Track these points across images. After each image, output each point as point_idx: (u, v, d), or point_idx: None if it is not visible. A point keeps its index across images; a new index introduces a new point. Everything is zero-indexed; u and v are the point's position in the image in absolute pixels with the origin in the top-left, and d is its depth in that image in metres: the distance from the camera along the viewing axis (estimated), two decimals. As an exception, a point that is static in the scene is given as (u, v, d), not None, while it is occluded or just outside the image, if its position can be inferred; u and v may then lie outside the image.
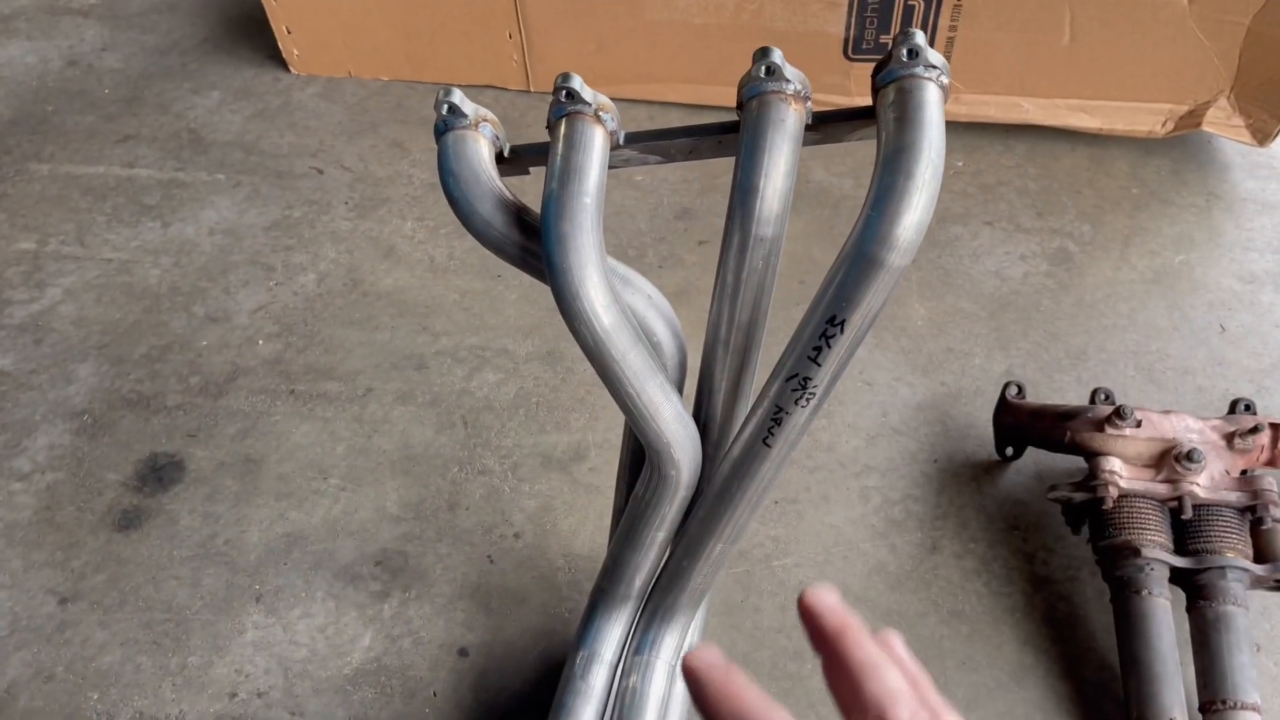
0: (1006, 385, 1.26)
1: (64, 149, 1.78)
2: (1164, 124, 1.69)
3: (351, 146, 1.76)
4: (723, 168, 1.68)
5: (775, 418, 0.75)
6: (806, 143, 0.69)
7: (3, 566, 1.16)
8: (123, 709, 1.04)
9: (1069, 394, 1.34)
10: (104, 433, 1.30)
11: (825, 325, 0.66)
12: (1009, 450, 1.25)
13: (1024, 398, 1.26)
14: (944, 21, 1.63)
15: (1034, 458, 1.24)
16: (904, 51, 0.61)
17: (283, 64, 1.93)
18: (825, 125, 0.70)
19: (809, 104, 0.68)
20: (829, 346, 0.67)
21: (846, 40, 1.68)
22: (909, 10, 1.62)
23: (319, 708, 1.04)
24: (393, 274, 1.53)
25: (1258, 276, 1.51)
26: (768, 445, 0.77)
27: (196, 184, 1.69)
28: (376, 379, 1.37)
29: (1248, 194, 1.66)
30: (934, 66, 0.61)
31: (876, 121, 0.64)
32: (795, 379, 0.71)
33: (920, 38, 0.61)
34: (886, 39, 1.67)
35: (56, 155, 1.76)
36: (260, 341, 1.42)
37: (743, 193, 0.69)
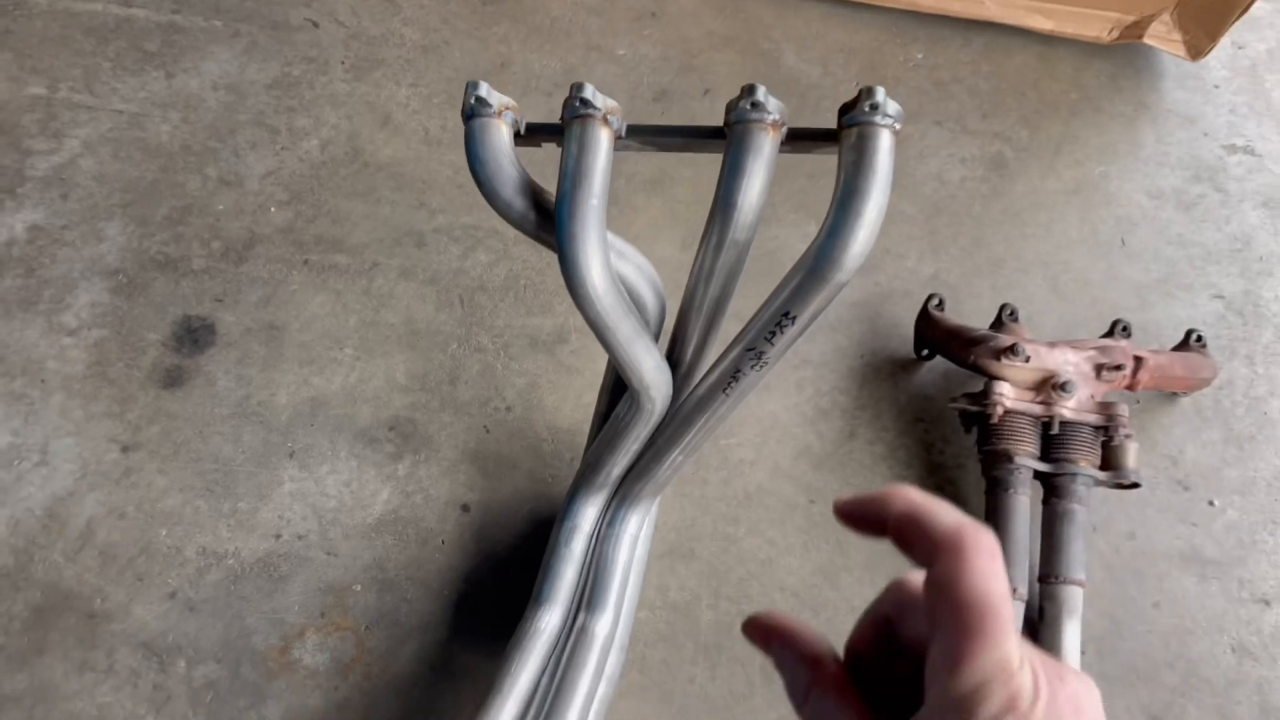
0: (930, 297, 1.45)
1: (56, -23, 1.77)
2: (1110, 31, 1.79)
3: (344, -3, 1.79)
4: (700, 47, 1.75)
5: (734, 376, 0.94)
6: (781, 152, 0.83)
7: (67, 415, 1.34)
8: (188, 544, 1.26)
9: (984, 300, 1.53)
10: (139, 293, 1.44)
11: (780, 317, 0.84)
12: (925, 353, 1.46)
13: (943, 309, 1.45)
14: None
15: (943, 364, 1.46)
16: (867, 105, 0.75)
17: (269, -107, 1.89)
18: (796, 141, 0.84)
19: (784, 128, 0.82)
20: (781, 332, 0.86)
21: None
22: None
23: (349, 549, 1.27)
24: (390, 144, 1.62)
25: (1164, 193, 1.69)
26: (725, 394, 0.96)
27: (194, 30, 1.72)
28: (380, 254, 1.51)
29: (1173, 105, 1.79)
30: (889, 116, 0.75)
31: (839, 150, 0.78)
32: (752, 351, 0.90)
33: (881, 94, 0.74)
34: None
35: (49, -16, 1.76)
36: (273, 209, 1.54)
37: (724, 205, 0.85)
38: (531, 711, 1.06)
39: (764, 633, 0.42)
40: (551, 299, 1.49)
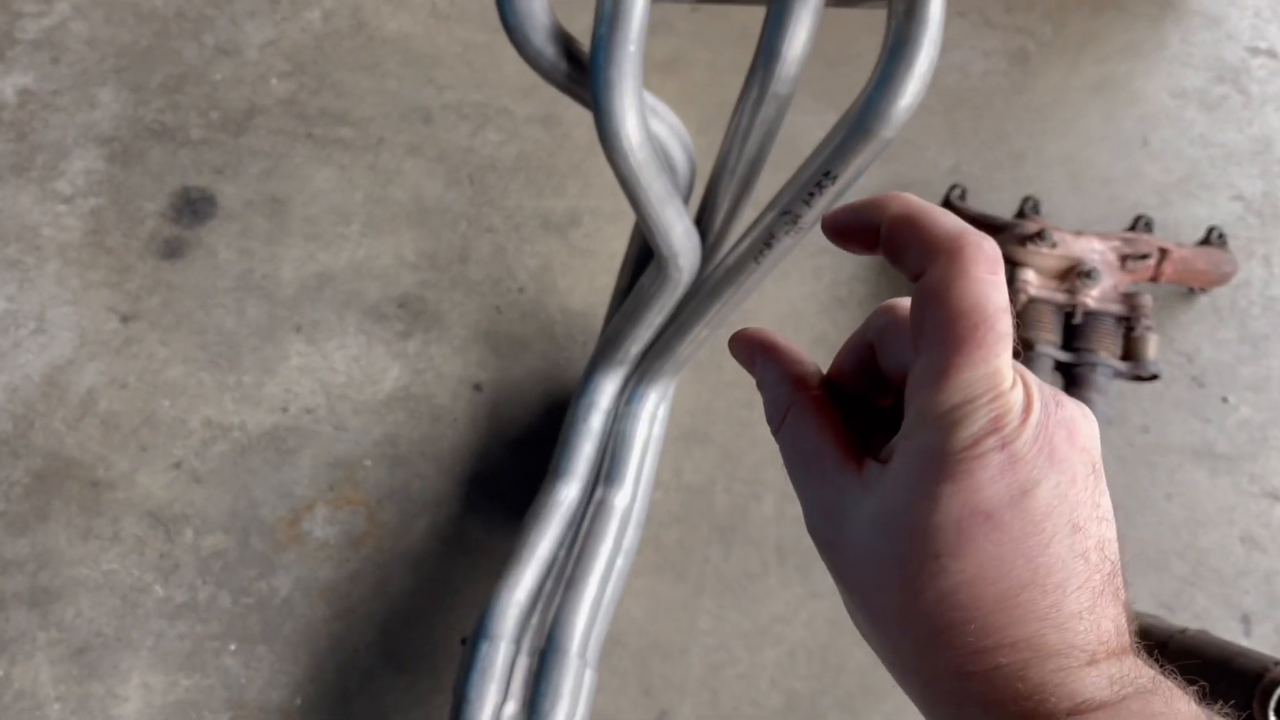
0: (951, 187, 1.41)
1: None
2: (1140, -75, 1.72)
3: None
4: None
5: (767, 242, 0.90)
6: (828, 5, 0.78)
7: (63, 284, 1.28)
8: (192, 416, 1.22)
9: (1005, 193, 1.49)
10: (135, 162, 1.38)
11: (820, 176, 0.80)
12: (944, 244, 1.43)
13: (965, 200, 1.41)
14: None
15: (964, 254, 1.42)
16: None
17: None
18: None
19: None
20: (820, 193, 0.82)
21: None
22: None
23: (359, 425, 1.23)
24: (396, 17, 1.55)
25: (1187, 92, 1.64)
26: (757, 263, 0.93)
27: (188, -108, 1.62)
28: (387, 129, 1.44)
29: (1198, 6, 1.74)
30: None
31: (889, 5, 0.74)
32: (789, 215, 0.85)
33: None
34: None
35: None
36: (274, 80, 1.46)
37: (766, 54, 0.80)
38: (550, 581, 1.05)
39: (748, 347, 0.38)
40: (564, 180, 1.43)
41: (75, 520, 1.15)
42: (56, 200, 1.34)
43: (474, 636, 0.98)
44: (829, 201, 0.82)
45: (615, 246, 1.36)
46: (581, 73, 0.84)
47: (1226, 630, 1.24)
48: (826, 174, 0.80)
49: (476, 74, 1.50)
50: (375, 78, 1.48)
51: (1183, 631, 0.87)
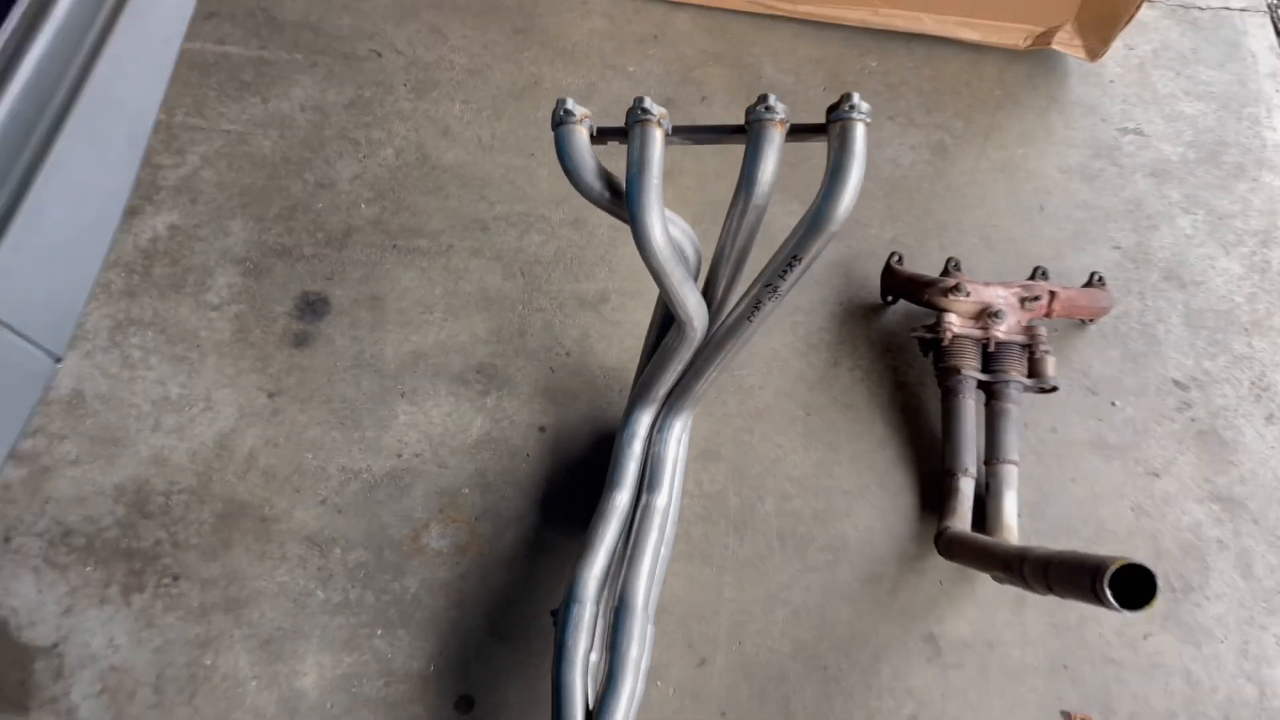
0: (892, 254, 1.81)
1: (157, 21, 2.07)
2: (1025, 40, 2.16)
3: (399, 31, 2.11)
4: (695, 63, 2.07)
5: (756, 306, 1.28)
6: (786, 141, 1.17)
7: (221, 372, 1.65)
8: (330, 464, 1.58)
9: (933, 256, 1.89)
10: (264, 275, 1.76)
11: (790, 259, 1.19)
12: (889, 298, 1.82)
13: (903, 264, 1.81)
14: (871, -44, 2.03)
15: (904, 305, 1.81)
16: (846, 106, 1.09)
17: (328, -56, 2.20)
18: (797, 133, 1.18)
19: (788, 124, 1.16)
20: (791, 270, 1.20)
21: (796, -37, 2.07)
22: (846, -52, 2.01)
23: (456, 463, 1.60)
24: (452, 150, 1.95)
25: (1071, 168, 2.06)
26: (750, 321, 1.31)
27: (280, 62, 2.03)
28: (453, 237, 1.83)
29: (1077, 98, 2.17)
30: (863, 113, 1.10)
31: (828, 139, 1.12)
32: (769, 286, 1.24)
33: (857, 97, 1.09)
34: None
35: (152, 27, 2.06)
36: (362, 205, 1.86)
37: (746, 181, 1.20)
38: (614, 563, 1.40)
39: None
40: (593, 268, 1.82)
41: (252, 547, 1.50)
42: (208, 309, 1.71)
43: (564, 603, 1.33)
44: (798, 275, 1.21)
45: (637, 317, 1.75)
46: (619, 199, 1.23)
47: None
48: (795, 257, 1.20)
49: (518, 190, 1.90)
50: (440, 198, 1.88)
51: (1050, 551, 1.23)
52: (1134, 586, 1.07)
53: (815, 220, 1.15)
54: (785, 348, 1.77)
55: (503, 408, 1.66)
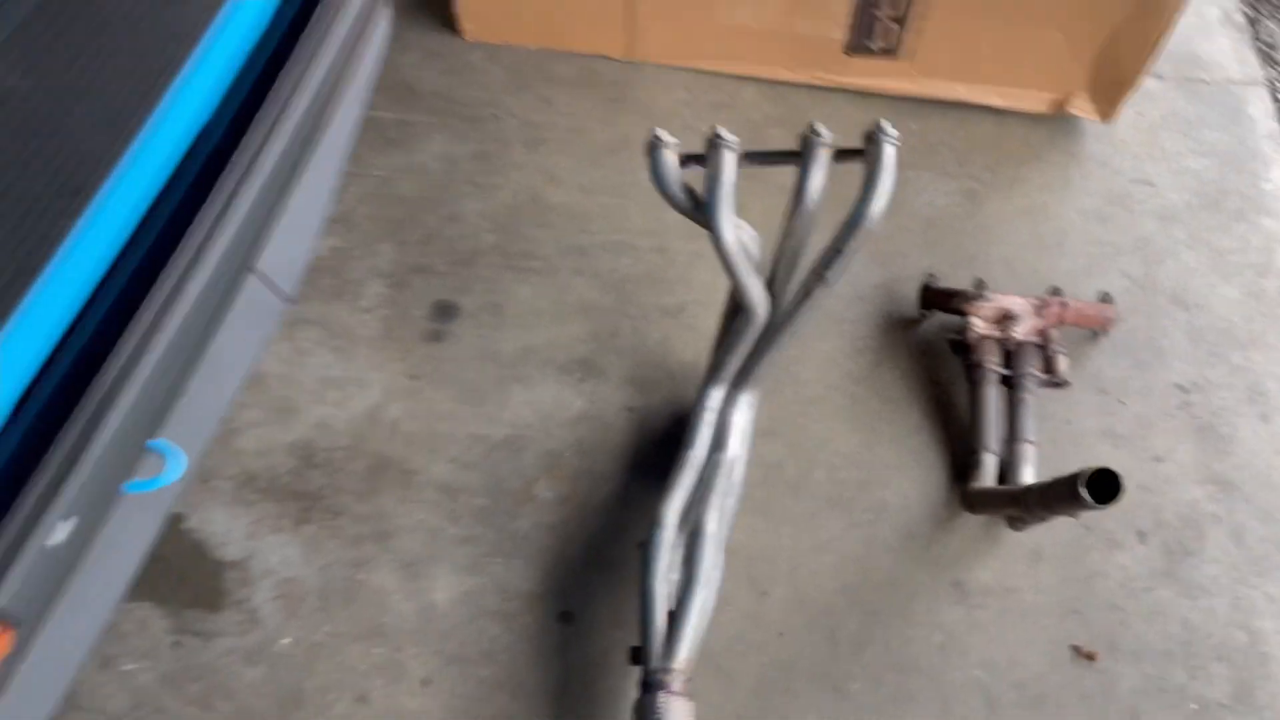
0: (928, 275, 2.13)
1: (320, 93, 2.53)
2: (1047, 105, 2.50)
3: (515, 100, 2.53)
4: (760, 126, 2.43)
5: (808, 294, 1.60)
6: (833, 162, 1.51)
7: (370, 360, 2.02)
8: (459, 431, 1.93)
9: (963, 279, 2.19)
10: (405, 287, 2.14)
11: (834, 252, 1.52)
12: (925, 311, 2.13)
13: (937, 282, 2.12)
14: (909, 33, 2.41)
15: (937, 320, 2.11)
16: (879, 132, 1.44)
17: (457, 32, 2.65)
18: (841, 156, 1.53)
19: (834, 149, 1.50)
20: (835, 261, 1.53)
21: (845, 43, 2.46)
22: (890, 29, 2.40)
23: (560, 433, 1.93)
24: (557, 193, 2.34)
25: (1088, 211, 2.37)
26: (803, 309, 1.63)
27: (418, 124, 2.47)
28: (560, 260, 2.21)
29: (1094, 155, 2.49)
30: (891, 137, 1.44)
31: (866, 158, 1.47)
32: (820, 277, 1.56)
33: (888, 125, 1.43)
34: (869, 43, 2.45)
35: (316, 98, 2.52)
36: (485, 234, 2.25)
37: (799, 194, 1.54)
38: (689, 506, 1.70)
39: None
40: (673, 285, 2.17)
41: (396, 492, 1.84)
42: (361, 311, 2.10)
43: (650, 529, 1.64)
44: (842, 267, 1.53)
45: (708, 324, 2.07)
46: (699, 208, 1.58)
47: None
48: (838, 250, 1.53)
49: (612, 224, 2.28)
50: (548, 230, 2.26)
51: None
52: (1106, 491, 1.34)
53: (855, 218, 1.49)
54: (835, 350, 2.08)
55: (598, 392, 2.00)
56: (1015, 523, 1.70)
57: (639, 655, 1.55)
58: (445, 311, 2.11)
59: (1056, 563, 1.80)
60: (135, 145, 1.00)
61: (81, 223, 0.92)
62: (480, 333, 2.08)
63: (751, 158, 1.61)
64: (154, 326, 0.98)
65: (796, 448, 1.94)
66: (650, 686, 1.50)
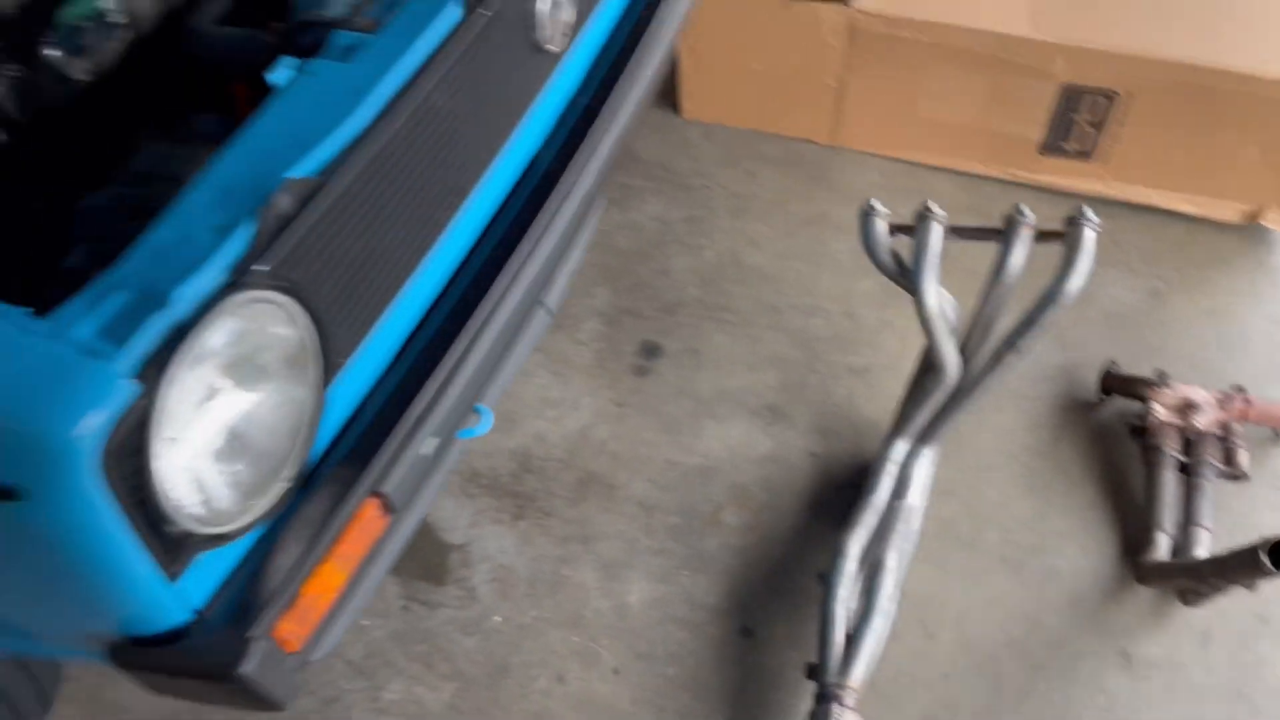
0: (1109, 362, 2.22)
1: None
2: (1239, 215, 2.56)
3: (724, 172, 2.79)
4: (952, 212, 2.59)
5: (999, 360, 1.75)
6: (1035, 242, 1.67)
7: (584, 386, 2.26)
8: (657, 456, 2.13)
9: (1143, 370, 2.26)
10: (617, 325, 2.39)
11: (1029, 323, 1.66)
12: (1105, 395, 2.21)
13: (1119, 369, 2.21)
14: (1105, 138, 2.54)
15: (1116, 407, 2.19)
16: (1080, 217, 1.59)
17: (677, 110, 2.94)
18: (1042, 237, 1.68)
19: (1035, 229, 1.66)
20: (1029, 331, 1.67)
21: (1041, 142, 2.61)
22: (1087, 132, 2.53)
23: (747, 469, 2.11)
24: (756, 256, 2.56)
25: (1274, 318, 2.41)
26: (992, 373, 1.77)
27: (636, 188, 2.74)
28: (755, 315, 2.41)
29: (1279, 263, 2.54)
30: (1093, 222, 1.59)
31: (1065, 241, 1.62)
32: (1012, 346, 1.71)
33: (1089, 211, 1.58)
34: (1064, 145, 2.59)
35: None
36: (690, 287, 2.48)
37: (999, 267, 1.69)
38: (870, 548, 1.84)
39: None
40: (860, 347, 2.34)
41: (600, 503, 2.05)
42: (578, 343, 2.35)
43: (833, 560, 1.78)
44: (1034, 337, 1.67)
45: (892, 387, 2.22)
46: (904, 273, 1.76)
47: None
48: (1032, 321, 1.67)
49: (805, 288, 2.47)
50: (746, 287, 2.47)
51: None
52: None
53: (1051, 294, 1.64)
54: (1014, 423, 2.19)
55: (784, 436, 2.17)
56: (1188, 596, 1.75)
57: (815, 671, 1.69)
58: (651, 350, 2.34)
59: (1227, 646, 1.83)
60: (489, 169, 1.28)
61: (457, 215, 1.19)
62: (680, 372, 2.29)
63: (957, 231, 1.78)
64: (477, 336, 1.23)
65: (971, 508, 2.05)
66: (825, 698, 1.63)
